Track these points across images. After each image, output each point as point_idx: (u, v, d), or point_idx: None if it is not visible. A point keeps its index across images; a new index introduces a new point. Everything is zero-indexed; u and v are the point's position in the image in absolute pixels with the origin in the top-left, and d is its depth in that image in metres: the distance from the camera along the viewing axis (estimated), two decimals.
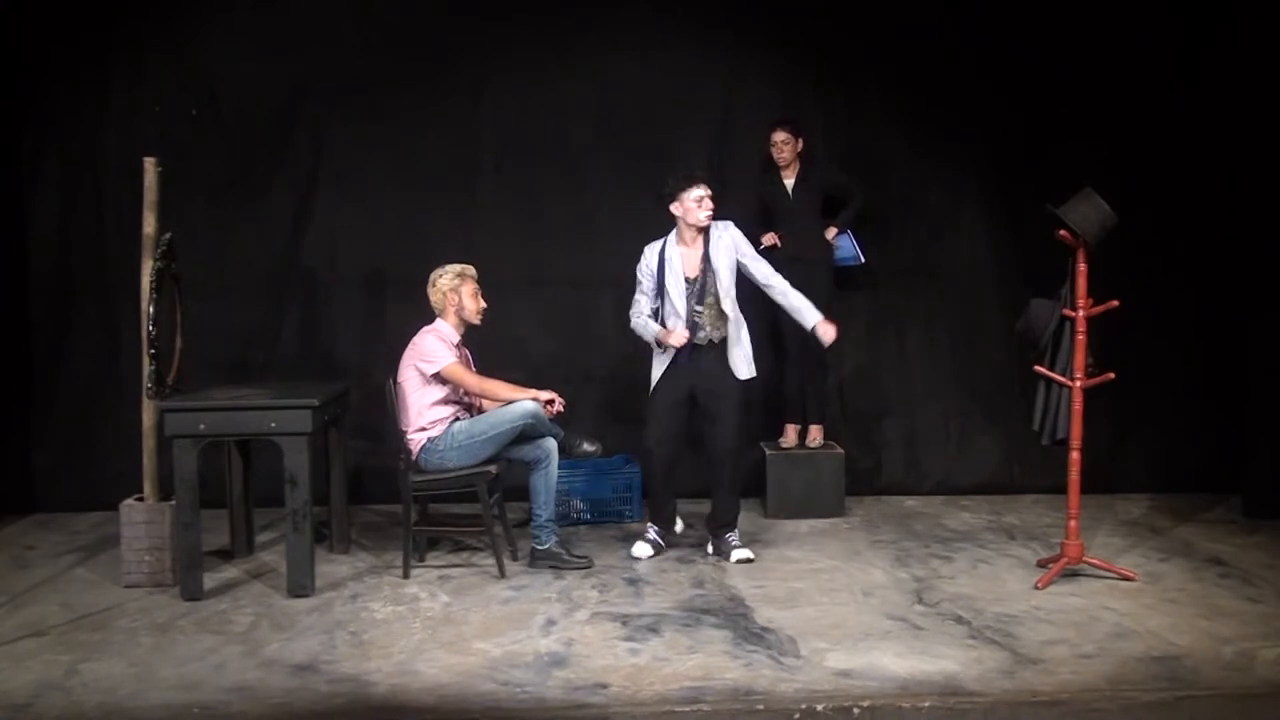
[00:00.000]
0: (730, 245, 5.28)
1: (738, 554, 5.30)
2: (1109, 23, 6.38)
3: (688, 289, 5.25)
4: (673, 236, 5.33)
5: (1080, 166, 5.82)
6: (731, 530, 5.37)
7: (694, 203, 5.19)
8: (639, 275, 5.35)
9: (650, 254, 5.34)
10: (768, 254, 5.70)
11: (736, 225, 5.36)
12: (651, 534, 5.48)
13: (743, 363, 5.32)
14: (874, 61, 6.49)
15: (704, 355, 5.28)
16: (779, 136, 6.07)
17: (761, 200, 6.26)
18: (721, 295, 5.23)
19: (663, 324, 5.27)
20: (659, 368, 5.34)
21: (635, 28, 6.45)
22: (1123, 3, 6.39)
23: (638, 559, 5.36)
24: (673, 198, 5.22)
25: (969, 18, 6.44)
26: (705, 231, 5.27)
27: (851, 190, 6.18)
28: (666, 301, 5.28)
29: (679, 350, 5.26)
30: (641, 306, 5.35)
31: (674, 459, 5.39)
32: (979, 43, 6.46)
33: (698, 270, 5.26)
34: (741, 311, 5.33)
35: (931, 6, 6.46)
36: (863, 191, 6.21)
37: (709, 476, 5.45)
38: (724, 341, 5.27)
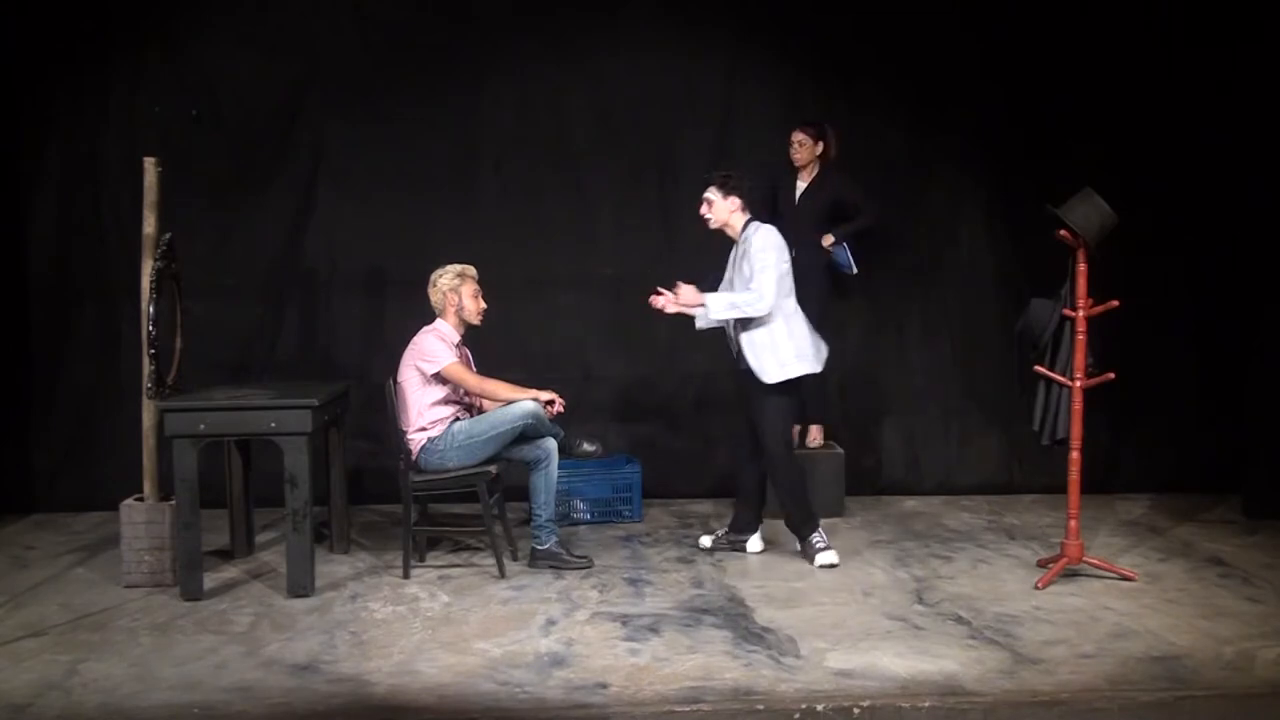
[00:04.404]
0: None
1: (820, 558, 5.21)
2: (1109, 23, 6.39)
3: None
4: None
5: (1080, 166, 5.83)
6: (805, 535, 5.32)
7: None
8: (779, 265, 5.09)
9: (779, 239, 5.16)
10: None
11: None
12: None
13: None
14: (874, 61, 6.49)
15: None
16: (796, 137, 6.06)
17: (774, 190, 6.25)
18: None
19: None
20: (799, 359, 5.18)
21: (635, 28, 6.45)
22: (1123, 3, 6.39)
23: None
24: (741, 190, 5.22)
25: (969, 18, 6.44)
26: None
27: (861, 207, 6.11)
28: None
29: None
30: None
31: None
32: (979, 43, 6.46)
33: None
34: None
35: (932, 6, 6.46)
36: (876, 211, 6.13)
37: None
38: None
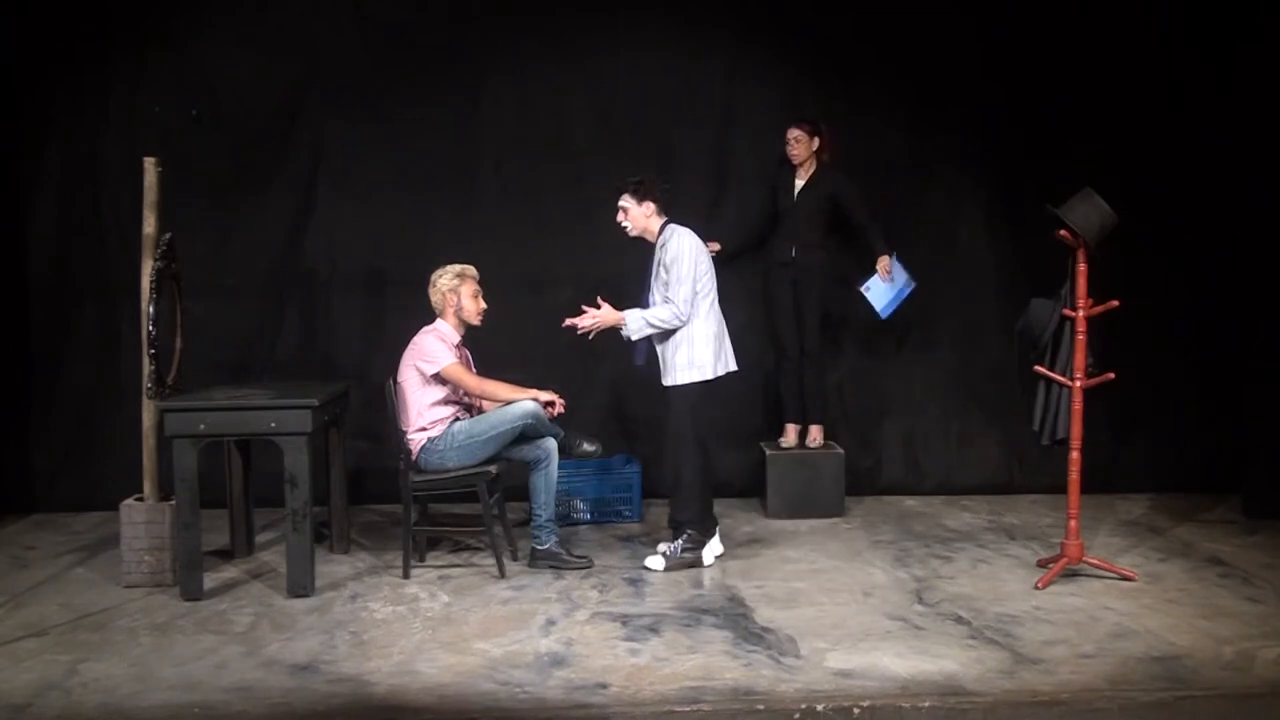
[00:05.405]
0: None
1: (651, 559, 5.26)
2: (1109, 23, 6.38)
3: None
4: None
5: (1080, 166, 5.82)
6: (676, 532, 5.28)
7: None
8: (695, 271, 5.08)
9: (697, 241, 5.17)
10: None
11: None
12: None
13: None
14: (874, 61, 6.48)
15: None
16: (792, 133, 6.06)
17: (773, 190, 6.24)
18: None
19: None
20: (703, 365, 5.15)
21: (635, 28, 6.44)
22: (1123, 3, 6.39)
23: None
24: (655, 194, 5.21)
25: (969, 18, 6.44)
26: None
27: (860, 205, 6.05)
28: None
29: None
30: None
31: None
32: (979, 43, 6.46)
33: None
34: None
35: (932, 6, 6.46)
36: (877, 221, 6.07)
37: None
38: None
